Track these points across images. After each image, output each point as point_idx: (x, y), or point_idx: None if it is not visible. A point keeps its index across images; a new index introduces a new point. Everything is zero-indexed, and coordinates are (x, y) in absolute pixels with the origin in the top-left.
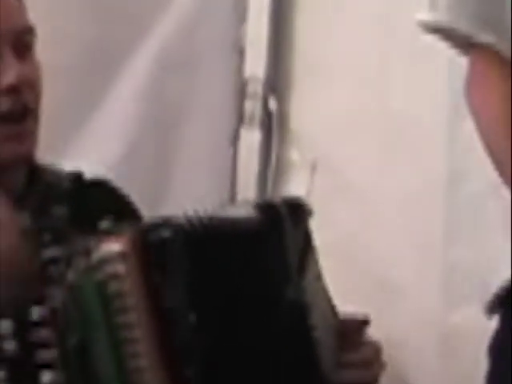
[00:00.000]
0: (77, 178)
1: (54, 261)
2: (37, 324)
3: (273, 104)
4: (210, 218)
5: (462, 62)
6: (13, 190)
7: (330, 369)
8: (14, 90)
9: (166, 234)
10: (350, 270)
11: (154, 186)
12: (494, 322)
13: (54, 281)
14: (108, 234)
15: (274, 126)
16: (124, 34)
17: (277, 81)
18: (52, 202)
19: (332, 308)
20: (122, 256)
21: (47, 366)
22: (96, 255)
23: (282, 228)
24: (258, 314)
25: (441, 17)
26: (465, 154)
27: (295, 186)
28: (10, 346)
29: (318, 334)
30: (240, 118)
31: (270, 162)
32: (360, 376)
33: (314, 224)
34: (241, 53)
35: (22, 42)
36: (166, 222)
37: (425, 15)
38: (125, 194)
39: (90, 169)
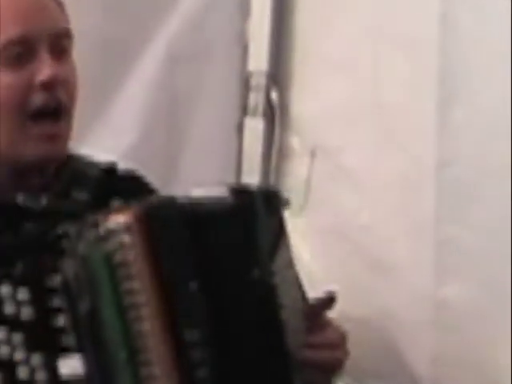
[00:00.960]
0: (110, 169)
1: (66, 235)
2: (52, 292)
3: (275, 95)
4: (198, 200)
5: (451, 53)
6: (41, 181)
7: (296, 348)
8: (47, 87)
9: (166, 210)
10: (347, 249)
11: (164, 171)
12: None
13: (67, 252)
14: (117, 210)
15: (276, 116)
16: (136, 31)
17: (278, 74)
18: (75, 187)
19: (302, 294)
20: (127, 228)
21: (61, 330)
22: (103, 227)
23: (254, 213)
24: (229, 290)
25: None
26: (453, 140)
27: (296, 171)
28: (28, 311)
29: (286, 315)
30: (245, 108)
31: (273, 149)
32: (324, 357)
33: (313, 206)
34: (245, 48)
35: (58, 45)
36: (167, 200)
37: None
38: (155, 188)
39: (106, 156)
